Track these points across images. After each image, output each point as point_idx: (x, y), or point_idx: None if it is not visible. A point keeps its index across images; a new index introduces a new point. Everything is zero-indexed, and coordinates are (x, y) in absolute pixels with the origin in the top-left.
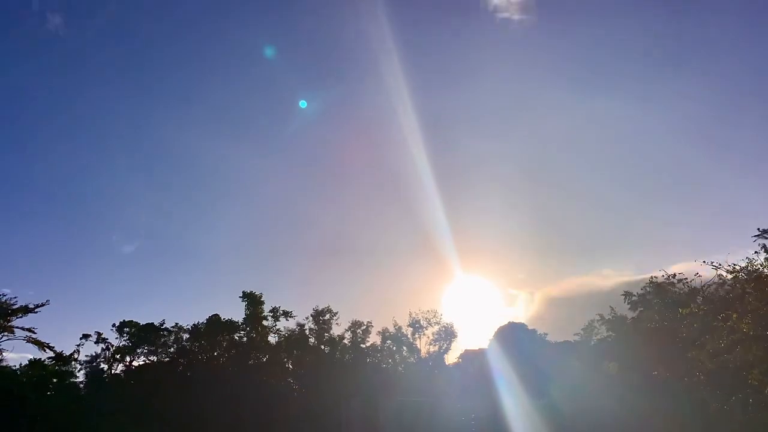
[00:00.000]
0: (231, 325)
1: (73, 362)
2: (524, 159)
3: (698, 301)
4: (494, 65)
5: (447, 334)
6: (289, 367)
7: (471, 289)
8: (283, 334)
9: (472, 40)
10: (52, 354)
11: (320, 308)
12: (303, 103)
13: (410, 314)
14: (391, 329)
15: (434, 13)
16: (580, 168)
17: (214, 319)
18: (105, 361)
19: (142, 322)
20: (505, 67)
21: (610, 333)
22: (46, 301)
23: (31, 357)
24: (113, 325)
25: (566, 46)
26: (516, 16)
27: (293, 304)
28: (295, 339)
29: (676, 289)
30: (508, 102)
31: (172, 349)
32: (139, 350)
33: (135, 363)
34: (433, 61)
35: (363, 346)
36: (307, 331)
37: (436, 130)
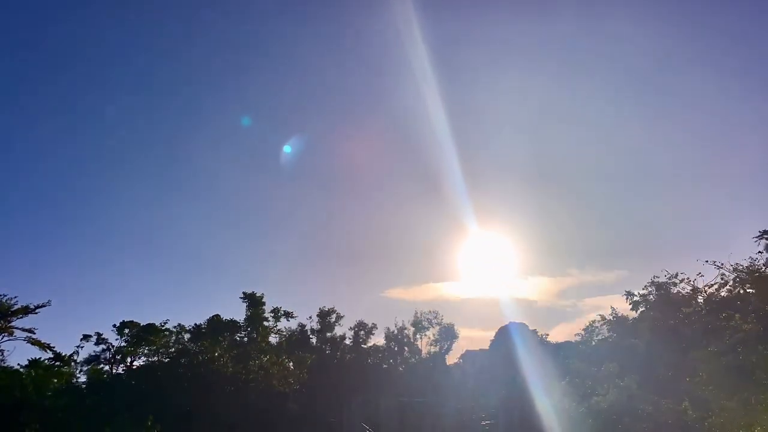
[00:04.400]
0: (232, 326)
1: (73, 363)
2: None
3: (699, 301)
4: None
5: (448, 335)
6: (290, 367)
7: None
8: (284, 335)
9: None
10: (52, 354)
11: (326, 308)
12: (287, 148)
13: (415, 313)
14: (393, 329)
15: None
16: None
17: (215, 320)
18: (106, 361)
19: (143, 323)
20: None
21: (612, 333)
22: (47, 301)
23: (31, 357)
24: (114, 326)
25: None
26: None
27: (300, 306)
28: (297, 339)
29: (678, 289)
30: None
31: (172, 350)
32: (139, 351)
33: (136, 363)
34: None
35: (364, 346)
36: (308, 332)
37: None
